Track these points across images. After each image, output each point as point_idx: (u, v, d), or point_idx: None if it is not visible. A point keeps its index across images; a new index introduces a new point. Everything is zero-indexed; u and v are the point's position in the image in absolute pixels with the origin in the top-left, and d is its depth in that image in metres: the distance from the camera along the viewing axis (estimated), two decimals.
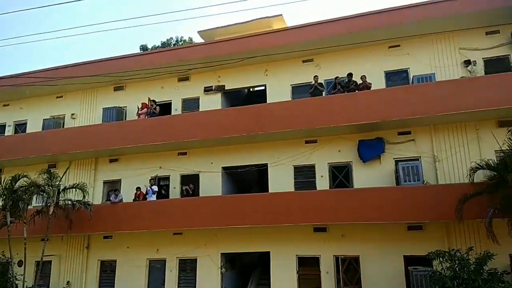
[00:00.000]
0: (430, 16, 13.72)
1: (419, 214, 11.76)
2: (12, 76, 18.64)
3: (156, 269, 15.39)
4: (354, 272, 12.63)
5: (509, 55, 13.31)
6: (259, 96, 16.90)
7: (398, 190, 12.46)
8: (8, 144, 18.19)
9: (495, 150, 11.96)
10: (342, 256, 12.76)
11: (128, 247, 15.77)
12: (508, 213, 9.99)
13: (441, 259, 10.63)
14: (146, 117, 16.71)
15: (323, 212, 12.70)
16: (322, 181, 14.01)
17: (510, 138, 10.55)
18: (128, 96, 18.02)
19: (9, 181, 14.78)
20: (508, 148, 10.69)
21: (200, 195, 15.34)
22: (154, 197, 15.38)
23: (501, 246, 9.97)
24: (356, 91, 13.96)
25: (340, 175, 13.98)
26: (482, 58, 13.56)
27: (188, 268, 15.00)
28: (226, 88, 16.84)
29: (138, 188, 15.60)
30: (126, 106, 17.92)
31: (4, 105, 20.11)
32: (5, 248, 14.45)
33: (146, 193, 15.53)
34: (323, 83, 14.94)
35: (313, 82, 14.66)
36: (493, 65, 13.36)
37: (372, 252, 12.68)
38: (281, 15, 18.08)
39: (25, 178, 14.99)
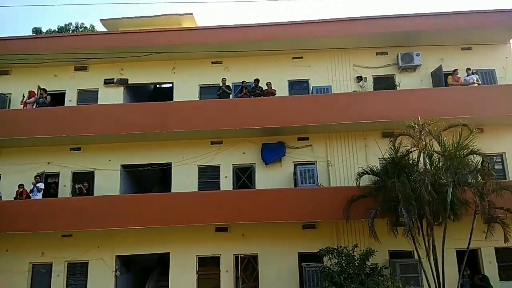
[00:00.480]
0: (329, 33, 14.86)
1: (313, 214, 12.66)
2: None
3: (41, 274, 13.88)
4: (252, 270, 13.02)
5: (394, 74, 15.10)
6: (165, 94, 16.48)
7: (296, 192, 13.25)
8: None
9: (379, 158, 13.47)
10: (241, 255, 13.04)
11: (7, 250, 13.95)
12: (387, 214, 11.33)
13: (330, 255, 11.57)
14: (34, 106, 15.08)
15: (226, 212, 12.86)
16: (226, 182, 14.23)
17: (391, 148, 11.99)
18: (14, 82, 16.07)
19: None
20: (389, 157, 12.15)
21: (95, 194, 14.36)
22: (39, 196, 13.92)
23: (381, 243, 11.23)
24: (262, 96, 14.51)
25: (244, 176, 14.36)
26: (372, 76, 15.17)
27: (78, 272, 13.84)
28: (129, 82, 16.03)
29: (21, 185, 13.94)
30: (10, 93, 15.96)
31: None
32: None
33: (31, 191, 13.97)
34: (231, 86, 15.20)
35: (221, 84, 14.83)
36: (381, 83, 15.07)
37: (269, 250, 13.24)
38: (191, 14, 17.92)
39: None
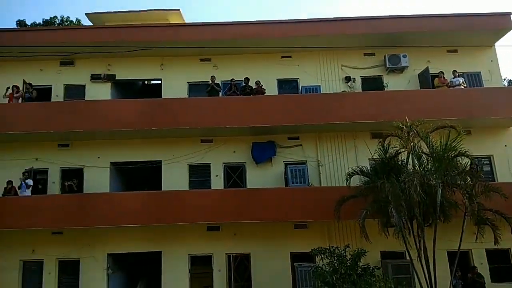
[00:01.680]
0: (317, 33, 13.89)
1: (304, 213, 11.86)
2: None
3: (32, 271, 12.76)
4: (244, 269, 12.24)
5: (382, 75, 14.26)
6: (154, 90, 15.14)
7: (286, 191, 12.40)
8: None
9: (368, 158, 12.65)
10: (234, 254, 12.24)
11: None
12: (378, 215, 10.59)
13: (322, 255, 10.79)
14: (20, 101, 13.60)
15: (217, 211, 11.93)
16: (217, 181, 13.23)
17: (380, 149, 11.21)
18: None
19: None
20: (378, 157, 11.38)
21: (84, 191, 13.10)
22: (28, 192, 12.66)
23: (372, 244, 10.47)
24: (251, 95, 13.46)
25: (234, 175, 13.38)
26: (360, 76, 14.27)
27: (69, 270, 12.72)
28: (117, 78, 14.65)
29: (9, 182, 12.64)
30: None
31: None
32: None
33: (19, 188, 12.65)
34: (220, 84, 14.05)
35: (210, 81, 13.71)
36: (369, 83, 14.20)
37: (262, 250, 12.41)
38: (179, 9, 16.57)
39: None
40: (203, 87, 14.01)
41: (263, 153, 13.15)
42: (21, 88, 13.79)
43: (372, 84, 14.14)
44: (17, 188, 12.64)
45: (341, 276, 10.14)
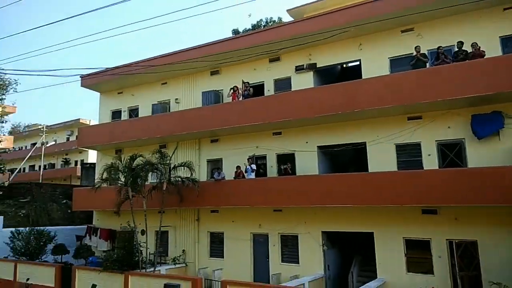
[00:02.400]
0: None
1: None
2: (124, 66, 19.09)
3: (260, 243, 15.28)
4: (470, 258, 10.99)
5: None
6: (353, 72, 15.34)
7: None
8: (125, 127, 19.24)
9: None
10: (456, 241, 11.16)
11: (233, 221, 15.87)
12: None
13: None
14: (241, 98, 16.25)
15: (433, 194, 11.11)
16: (430, 160, 12.32)
17: None
18: (224, 80, 17.72)
19: (128, 160, 15.52)
20: None
21: (297, 174, 14.61)
22: (253, 175, 15.09)
23: None
24: (466, 60, 11.76)
25: (451, 153, 12.13)
26: None
27: (289, 243, 14.60)
28: (317, 66, 15.57)
29: (238, 167, 15.47)
30: (222, 89, 17.64)
31: (118, 93, 21.20)
32: (130, 218, 15.29)
33: (245, 171, 15.26)
34: (426, 54, 12.90)
35: (415, 53, 12.79)
36: None
37: (492, 238, 10.88)
38: None
39: (141, 158, 15.65)
40: (407, 61, 13.21)
41: (486, 126, 11.38)
42: (240, 87, 16.53)
43: None
44: (244, 172, 15.30)
45: None
